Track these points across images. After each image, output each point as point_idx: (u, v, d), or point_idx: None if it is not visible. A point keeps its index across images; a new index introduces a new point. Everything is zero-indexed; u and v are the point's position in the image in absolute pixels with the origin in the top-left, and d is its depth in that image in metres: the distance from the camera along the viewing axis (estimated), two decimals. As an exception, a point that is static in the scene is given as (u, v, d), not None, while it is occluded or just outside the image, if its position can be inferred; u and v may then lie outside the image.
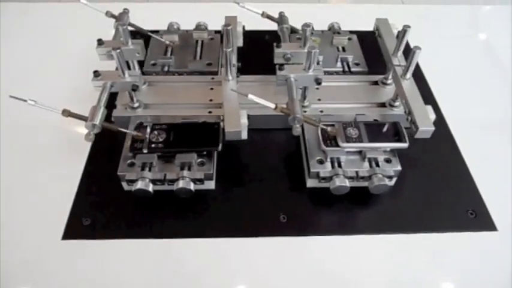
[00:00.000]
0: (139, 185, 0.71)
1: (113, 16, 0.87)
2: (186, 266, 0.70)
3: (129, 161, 0.74)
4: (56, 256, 0.70)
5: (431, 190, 0.80)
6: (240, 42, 0.94)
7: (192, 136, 0.76)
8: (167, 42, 0.97)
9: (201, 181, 0.75)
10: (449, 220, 0.75)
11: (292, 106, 0.72)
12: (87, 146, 0.83)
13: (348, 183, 0.73)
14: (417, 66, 1.02)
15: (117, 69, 0.76)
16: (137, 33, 0.92)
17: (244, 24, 0.94)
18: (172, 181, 0.74)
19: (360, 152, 0.76)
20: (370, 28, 0.93)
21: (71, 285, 0.68)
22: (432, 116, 0.73)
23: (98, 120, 0.69)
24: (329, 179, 0.75)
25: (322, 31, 1.04)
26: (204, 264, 0.70)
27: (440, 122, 0.90)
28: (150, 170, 0.73)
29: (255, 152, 0.84)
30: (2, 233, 0.72)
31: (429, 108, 0.74)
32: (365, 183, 0.75)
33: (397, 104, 0.85)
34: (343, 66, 0.97)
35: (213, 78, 0.90)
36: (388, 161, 0.76)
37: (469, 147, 0.86)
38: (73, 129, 0.87)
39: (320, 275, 0.70)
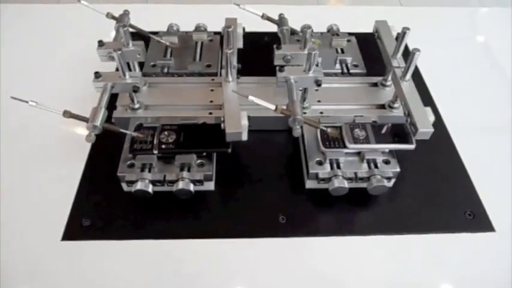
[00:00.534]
0: (139, 185, 0.71)
1: (113, 17, 0.87)
2: (186, 267, 0.70)
3: (128, 162, 0.74)
4: (56, 257, 0.70)
5: (430, 191, 0.80)
6: (240, 44, 0.94)
7: (202, 137, 0.76)
8: (168, 43, 0.97)
9: (200, 182, 0.75)
10: (447, 221, 0.76)
11: (292, 107, 0.72)
12: (87, 147, 0.83)
13: (346, 185, 0.74)
14: (415, 68, 1.03)
15: (117, 70, 0.76)
16: (137, 35, 0.93)
17: (244, 26, 0.94)
18: (172, 182, 0.74)
19: (358, 154, 0.77)
20: (369, 30, 0.93)
21: (70, 286, 0.68)
22: (431, 118, 0.74)
23: (98, 121, 0.69)
24: (328, 180, 0.75)
25: (321, 33, 1.04)
26: (204, 265, 0.70)
27: (438, 123, 0.91)
28: (149, 171, 0.74)
29: (254, 153, 0.84)
30: (2, 233, 0.72)
31: (428, 110, 0.75)
32: (364, 185, 0.76)
33: (396, 105, 0.85)
34: (341, 68, 0.97)
35: (213, 80, 0.91)
36: (386, 162, 0.76)
37: (467, 148, 0.87)
38: (73, 130, 0.87)
39: (319, 276, 0.70)
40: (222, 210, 0.76)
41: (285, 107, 0.72)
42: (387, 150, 0.76)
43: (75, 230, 0.73)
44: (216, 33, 1.02)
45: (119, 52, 0.73)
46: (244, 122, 0.72)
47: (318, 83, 0.77)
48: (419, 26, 1.19)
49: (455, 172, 0.83)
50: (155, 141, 0.74)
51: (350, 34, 1.04)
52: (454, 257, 0.72)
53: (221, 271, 0.70)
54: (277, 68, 0.77)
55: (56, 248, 0.71)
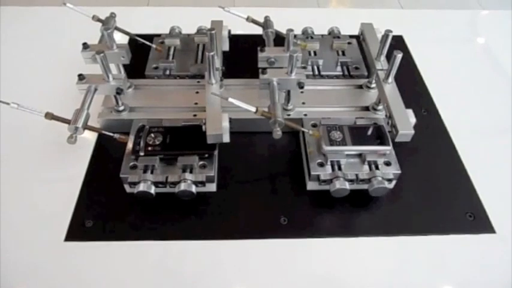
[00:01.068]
0: (141, 187, 0.72)
1: (99, 20, 0.88)
2: (188, 267, 0.70)
3: (131, 164, 0.75)
4: (59, 257, 0.71)
5: (430, 193, 0.80)
6: (225, 46, 0.95)
7: (189, 139, 0.76)
8: (154, 46, 0.97)
9: (202, 184, 0.76)
10: (448, 222, 0.76)
11: (273, 109, 0.73)
12: (90, 149, 0.84)
13: (348, 186, 0.74)
14: (416, 70, 1.04)
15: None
16: (142, 38, 0.93)
17: (230, 29, 0.95)
18: (174, 183, 0.74)
19: (359, 155, 0.77)
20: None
21: (72, 286, 0.68)
22: (412, 120, 0.74)
23: (80, 123, 0.70)
24: (329, 181, 0.76)
25: (322, 35, 1.05)
26: (205, 266, 0.71)
27: (439, 125, 0.91)
28: (152, 173, 0.74)
29: (255, 155, 0.85)
30: (5, 233, 0.73)
31: (410, 112, 0.75)
32: (365, 186, 0.76)
33: (380, 107, 0.86)
34: (343, 70, 0.98)
35: (198, 82, 0.92)
36: (387, 164, 0.76)
37: (468, 150, 0.87)
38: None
39: (320, 277, 0.70)
40: (224, 212, 0.77)
41: (266, 109, 0.73)
42: (388, 152, 0.77)
43: (78, 231, 0.73)
44: (217, 35, 1.03)
45: (102, 55, 0.74)
46: (226, 124, 0.72)
47: (301, 85, 0.78)
48: (420, 29, 1.20)
49: (456, 173, 0.83)
50: (142, 143, 0.74)
51: (351, 37, 1.05)
52: (454, 258, 0.73)
53: (223, 272, 0.70)
54: (260, 70, 0.78)
55: (59, 249, 0.71)
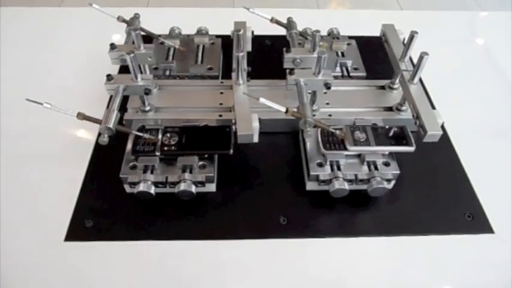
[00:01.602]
0: (141, 187, 0.72)
1: (124, 21, 0.88)
2: (187, 267, 0.71)
3: (131, 164, 0.75)
4: (59, 257, 0.71)
5: (429, 193, 0.81)
6: (249, 47, 0.95)
7: (204, 139, 0.77)
8: (177, 46, 0.97)
9: (202, 184, 0.76)
10: (446, 223, 0.77)
11: (303, 110, 0.73)
12: (90, 149, 0.84)
13: (347, 186, 0.74)
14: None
15: (120, 72, 0.77)
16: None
17: (253, 30, 0.95)
18: (174, 184, 0.74)
19: (358, 156, 0.77)
20: (369, 33, 0.94)
21: (73, 286, 0.69)
22: (440, 120, 0.74)
23: (111, 123, 0.70)
24: (328, 181, 0.76)
25: (322, 36, 1.05)
26: (205, 266, 0.71)
27: (438, 126, 0.92)
28: (152, 173, 0.74)
29: (255, 156, 0.85)
30: (5, 233, 0.73)
31: (437, 112, 0.75)
32: (364, 186, 0.76)
33: (404, 108, 0.86)
34: (342, 71, 0.98)
35: (222, 82, 0.92)
36: (386, 164, 0.77)
37: (466, 150, 0.87)
38: (76, 132, 0.88)
39: (319, 277, 0.71)
40: (224, 212, 0.77)
41: (295, 110, 0.73)
42: (387, 153, 0.77)
43: (78, 231, 0.73)
44: (217, 36, 1.03)
45: (132, 55, 0.74)
46: (256, 124, 0.73)
47: (328, 86, 0.78)
48: (419, 30, 1.20)
49: (455, 174, 0.84)
50: (158, 143, 0.74)
51: (350, 37, 1.05)
52: (453, 258, 0.73)
53: (223, 272, 0.70)
54: (287, 71, 0.78)
55: (59, 249, 0.71)
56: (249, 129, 0.72)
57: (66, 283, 0.69)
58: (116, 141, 0.77)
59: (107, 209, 0.77)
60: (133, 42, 0.83)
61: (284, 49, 0.84)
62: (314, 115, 0.85)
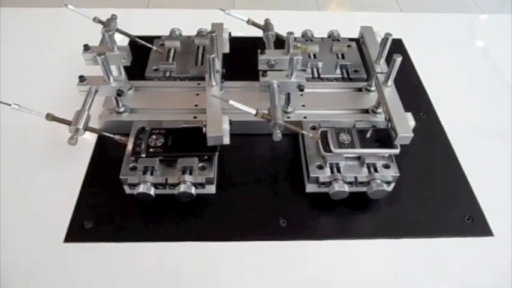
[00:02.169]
0: (141, 188, 0.72)
1: (100, 22, 0.88)
2: (187, 269, 0.71)
3: (131, 165, 0.75)
4: (58, 258, 0.71)
5: (429, 195, 0.81)
6: (226, 49, 0.95)
7: (190, 141, 0.76)
8: (154, 48, 0.97)
9: (202, 185, 0.76)
10: (446, 225, 0.76)
11: (273, 112, 0.73)
12: (90, 150, 0.84)
13: (346, 188, 0.74)
14: (415, 73, 1.05)
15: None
16: (141, 39, 0.94)
17: (231, 31, 0.95)
18: (174, 185, 0.74)
19: (358, 158, 0.77)
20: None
21: (72, 288, 0.69)
22: (412, 123, 0.75)
23: (81, 124, 0.70)
24: (328, 184, 0.76)
25: (322, 38, 1.05)
26: (204, 268, 0.71)
27: (438, 128, 0.92)
28: (152, 174, 0.74)
29: (255, 157, 0.85)
30: (4, 234, 0.73)
31: (409, 115, 0.76)
32: (364, 189, 0.76)
33: (379, 110, 0.86)
34: (342, 73, 0.98)
35: (199, 84, 0.92)
36: (386, 166, 0.77)
37: (467, 153, 0.87)
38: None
39: (319, 279, 0.70)
40: (223, 213, 0.77)
41: (266, 112, 0.73)
42: (387, 155, 0.77)
43: (77, 232, 0.73)
44: (217, 38, 1.03)
45: (103, 56, 0.74)
46: (226, 126, 0.73)
47: (301, 88, 0.78)
48: (420, 32, 1.21)
49: (454, 177, 0.84)
50: (143, 145, 0.75)
51: (350, 40, 1.05)
52: (452, 261, 0.73)
53: (222, 274, 0.70)
54: (260, 72, 0.78)
55: (58, 250, 0.71)
56: (218, 131, 0.71)
57: (66, 284, 0.69)
58: (115, 143, 0.77)
59: (107, 210, 0.76)
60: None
61: (259, 51, 0.85)
62: (289, 117, 0.85)
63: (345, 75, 0.98)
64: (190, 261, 0.71)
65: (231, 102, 0.69)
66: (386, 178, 0.76)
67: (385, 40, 0.83)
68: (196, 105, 0.87)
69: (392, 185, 0.78)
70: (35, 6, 1.24)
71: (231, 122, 0.73)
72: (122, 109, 0.84)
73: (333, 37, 1.05)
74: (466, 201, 0.80)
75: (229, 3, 1.68)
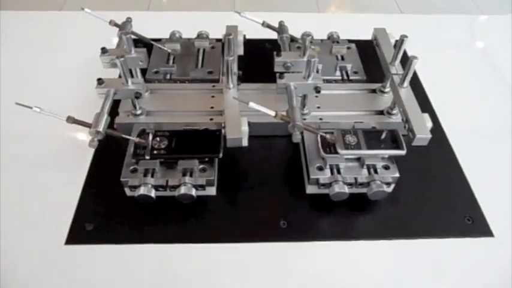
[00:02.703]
0: (141, 190, 0.72)
1: (116, 25, 0.88)
2: (188, 270, 0.71)
3: (131, 167, 0.75)
4: (59, 260, 0.71)
5: (429, 196, 0.81)
6: (240, 51, 0.95)
7: (193, 143, 0.77)
8: (169, 50, 0.98)
9: (202, 187, 0.76)
10: (446, 226, 0.77)
11: (292, 114, 0.73)
12: (91, 153, 0.84)
13: (346, 190, 0.74)
14: (414, 74, 1.04)
15: (120, 76, 0.78)
16: (139, 42, 0.94)
17: (245, 34, 0.95)
18: (174, 187, 0.75)
19: (358, 159, 0.78)
20: (369, 37, 0.94)
21: (73, 289, 0.69)
22: (429, 124, 0.75)
23: (101, 127, 0.70)
24: (328, 185, 0.76)
25: (322, 40, 1.06)
26: (205, 268, 0.71)
27: (437, 129, 0.92)
28: (152, 176, 0.75)
29: (255, 159, 0.86)
30: (5, 237, 0.73)
31: (426, 116, 0.76)
32: (364, 190, 0.76)
33: (394, 111, 0.86)
34: (342, 75, 0.98)
35: (214, 86, 0.92)
36: (386, 167, 0.77)
37: (466, 154, 0.88)
38: (76, 136, 0.89)
39: (319, 279, 0.71)
40: (224, 215, 0.77)
41: (284, 113, 0.73)
42: (387, 156, 0.77)
43: (78, 234, 0.74)
44: (217, 40, 1.04)
45: (122, 59, 0.75)
46: (245, 128, 0.73)
47: (317, 90, 0.78)
48: (420, 34, 1.21)
49: (454, 178, 0.84)
50: (148, 147, 0.75)
51: (350, 41, 1.05)
52: (453, 261, 0.73)
53: (223, 275, 0.71)
54: (277, 74, 0.79)
55: (59, 252, 0.72)
56: (238, 133, 0.72)
57: (67, 286, 0.69)
58: (116, 145, 0.77)
59: (108, 212, 0.77)
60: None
61: (275, 53, 0.85)
62: (305, 119, 0.85)
63: (345, 77, 0.98)
64: (191, 262, 0.72)
65: (251, 104, 0.69)
66: (386, 179, 0.76)
67: (400, 41, 0.83)
68: (212, 107, 0.87)
69: (392, 186, 0.78)
70: (38, 10, 1.25)
71: (249, 124, 0.74)
72: (138, 111, 0.85)
73: (332, 39, 1.06)
74: (466, 202, 0.80)
75: (229, 5, 1.68)
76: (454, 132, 0.92)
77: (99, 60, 0.81)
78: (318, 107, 0.89)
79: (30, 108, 0.67)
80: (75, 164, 0.83)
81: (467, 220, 0.77)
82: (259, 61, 0.92)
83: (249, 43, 0.97)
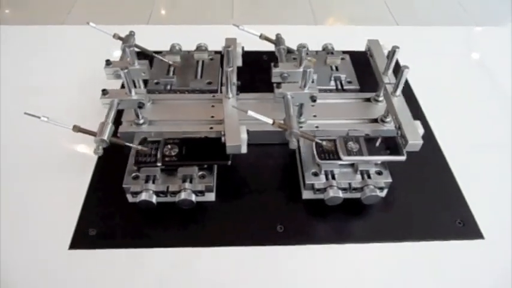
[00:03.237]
0: (143, 196, 0.75)
1: (119, 38, 0.91)
2: (188, 274, 0.73)
3: (133, 174, 0.78)
4: (63, 265, 0.73)
5: (421, 201, 0.83)
6: (239, 62, 0.98)
7: (203, 150, 0.79)
8: (170, 62, 1.01)
9: (202, 193, 0.79)
10: (438, 229, 0.79)
11: (289, 122, 0.75)
12: (94, 160, 0.87)
13: (341, 195, 0.77)
14: (407, 85, 1.07)
15: (122, 87, 0.80)
16: (140, 54, 0.97)
17: (243, 46, 0.98)
18: (175, 193, 0.77)
19: (352, 165, 0.80)
20: (363, 48, 0.97)
21: (77, 293, 0.71)
22: (421, 130, 0.77)
23: (106, 135, 0.73)
24: (323, 190, 0.78)
25: (317, 51, 1.08)
26: (204, 272, 0.73)
27: (429, 137, 0.94)
28: (153, 183, 0.77)
29: (253, 166, 0.88)
30: (10, 242, 0.75)
31: (418, 123, 0.78)
32: (357, 195, 0.79)
33: (388, 119, 0.89)
34: (336, 85, 1.01)
35: (214, 96, 0.95)
36: (379, 173, 0.79)
37: (457, 160, 0.90)
38: (80, 144, 0.91)
39: (316, 283, 0.73)
40: (223, 220, 0.79)
41: (282, 121, 0.75)
42: (379, 162, 0.80)
43: (82, 239, 0.76)
44: (216, 52, 1.06)
45: (126, 70, 0.77)
46: (244, 136, 0.75)
47: (313, 99, 0.81)
48: (415, 45, 1.24)
49: (446, 182, 0.86)
50: (159, 154, 0.77)
51: (346, 52, 1.08)
52: (445, 263, 0.75)
53: (221, 278, 0.72)
54: (275, 85, 0.81)
55: (63, 257, 0.74)
56: (237, 141, 0.74)
57: (71, 290, 0.71)
58: (118, 153, 0.80)
59: (110, 217, 0.79)
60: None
61: (272, 64, 0.88)
62: (301, 127, 0.88)
63: (339, 87, 1.00)
64: (191, 266, 0.74)
65: (250, 113, 0.71)
66: (379, 184, 0.78)
67: (392, 52, 0.86)
68: (212, 117, 0.90)
69: (385, 191, 0.81)
70: (40, 24, 1.28)
71: (248, 132, 0.76)
72: (141, 121, 0.87)
73: (327, 50, 1.08)
74: (457, 206, 0.83)
75: (227, 20, 1.72)
76: (446, 138, 0.95)
77: (100, 73, 0.83)
78: (314, 116, 0.91)
79: (39, 117, 0.70)
80: (79, 171, 0.85)
81: (459, 223, 0.80)
82: (257, 72, 0.95)
83: (247, 55, 0.99)
